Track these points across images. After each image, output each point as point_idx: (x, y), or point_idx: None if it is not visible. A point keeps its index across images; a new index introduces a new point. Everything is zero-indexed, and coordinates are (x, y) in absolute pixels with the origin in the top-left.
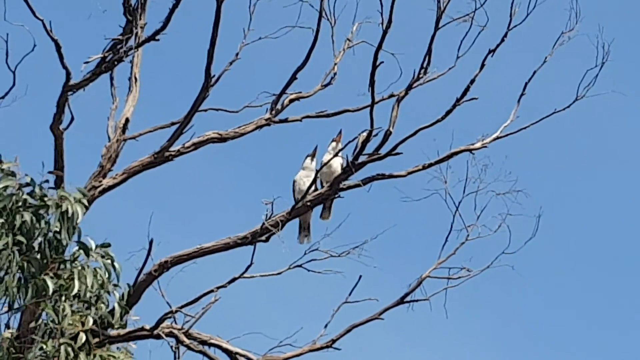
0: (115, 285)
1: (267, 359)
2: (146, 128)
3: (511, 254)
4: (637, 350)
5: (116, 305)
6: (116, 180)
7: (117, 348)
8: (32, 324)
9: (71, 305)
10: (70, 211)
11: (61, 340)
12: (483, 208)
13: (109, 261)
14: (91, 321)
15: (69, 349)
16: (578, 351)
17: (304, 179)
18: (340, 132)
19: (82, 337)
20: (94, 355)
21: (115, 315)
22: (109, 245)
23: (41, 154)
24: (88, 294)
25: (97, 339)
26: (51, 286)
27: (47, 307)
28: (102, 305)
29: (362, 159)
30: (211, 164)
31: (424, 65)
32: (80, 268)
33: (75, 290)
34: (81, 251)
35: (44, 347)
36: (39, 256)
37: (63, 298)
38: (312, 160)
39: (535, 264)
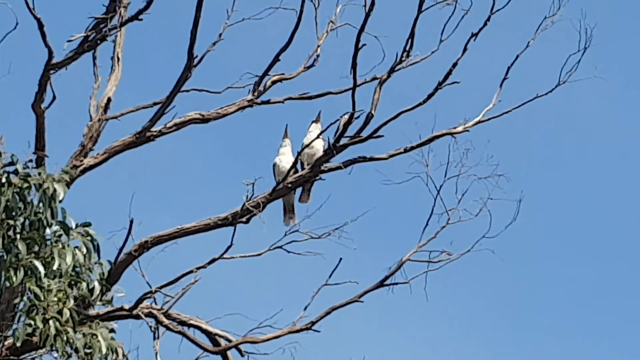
0: (96, 263)
1: (247, 340)
2: (128, 108)
3: (492, 238)
4: (619, 333)
5: (96, 283)
6: (97, 159)
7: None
8: (16, 300)
9: (53, 284)
10: (50, 190)
11: (48, 315)
12: (464, 192)
13: (89, 239)
14: (72, 300)
15: (57, 323)
16: (558, 335)
17: (284, 160)
18: (319, 113)
19: (67, 313)
20: (80, 331)
21: (95, 292)
22: (89, 224)
23: (22, 132)
24: (69, 273)
25: (77, 318)
26: (41, 269)
27: (31, 284)
28: (83, 282)
29: (343, 141)
30: (193, 145)
31: (407, 48)
32: (60, 247)
33: (56, 267)
34: (62, 230)
35: (33, 323)
36: (23, 237)
37: (44, 276)
38: (284, 139)
39: (515, 249)
